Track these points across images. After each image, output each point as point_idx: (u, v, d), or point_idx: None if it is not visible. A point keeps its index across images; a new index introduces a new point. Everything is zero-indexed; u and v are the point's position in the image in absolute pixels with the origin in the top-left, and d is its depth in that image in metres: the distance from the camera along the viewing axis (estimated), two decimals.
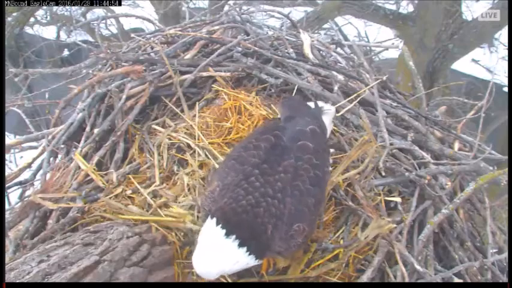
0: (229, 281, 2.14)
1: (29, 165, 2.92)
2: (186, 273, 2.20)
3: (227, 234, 1.67)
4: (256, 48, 3.23)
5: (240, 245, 1.67)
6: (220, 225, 1.69)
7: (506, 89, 7.13)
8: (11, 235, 2.36)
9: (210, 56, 3.20)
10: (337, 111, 2.75)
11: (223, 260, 1.68)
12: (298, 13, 8.10)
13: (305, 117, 2.15)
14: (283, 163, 1.87)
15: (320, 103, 2.48)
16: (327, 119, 2.38)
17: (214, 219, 1.71)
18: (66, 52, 9.18)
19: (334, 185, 2.39)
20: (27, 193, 2.77)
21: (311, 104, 2.47)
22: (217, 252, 1.68)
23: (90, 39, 8.48)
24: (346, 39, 5.40)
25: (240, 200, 1.73)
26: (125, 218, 2.32)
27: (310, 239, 2.21)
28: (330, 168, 2.11)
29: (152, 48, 3.44)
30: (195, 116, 2.90)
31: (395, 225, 2.27)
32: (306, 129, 2.03)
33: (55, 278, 1.76)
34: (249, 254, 1.69)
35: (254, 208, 1.72)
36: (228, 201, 1.75)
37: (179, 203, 2.42)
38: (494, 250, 2.45)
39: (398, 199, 2.46)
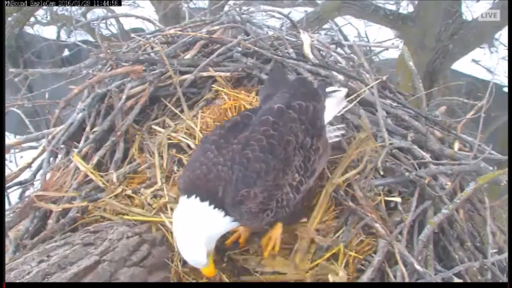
0: (229, 281, 2.15)
1: (29, 165, 2.93)
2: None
3: (188, 196, 1.87)
4: (256, 48, 3.24)
5: (202, 200, 1.84)
6: (182, 193, 1.92)
7: (506, 89, 7.13)
8: (11, 235, 2.37)
9: (210, 56, 3.21)
10: None
11: (198, 226, 1.82)
12: (298, 13, 8.09)
13: (285, 94, 2.15)
14: (239, 136, 1.96)
15: (330, 88, 2.48)
16: (332, 102, 2.38)
17: (180, 193, 1.96)
18: (66, 52, 9.18)
19: (334, 186, 2.39)
20: (27, 193, 2.78)
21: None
22: (188, 221, 1.84)
23: (91, 39, 8.48)
24: (346, 39, 5.39)
25: (195, 170, 1.92)
26: (127, 218, 2.32)
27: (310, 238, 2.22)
28: (309, 140, 2.06)
29: (152, 48, 3.44)
30: (195, 116, 2.90)
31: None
32: (274, 106, 2.05)
33: (55, 278, 1.76)
34: (214, 208, 1.84)
35: (206, 175, 1.89)
36: (188, 173, 1.96)
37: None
38: (494, 250, 2.44)
39: (398, 199, 2.46)
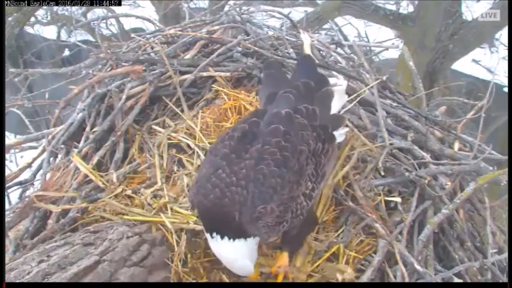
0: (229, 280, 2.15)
1: (29, 165, 2.93)
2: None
3: (211, 235, 1.89)
4: (256, 48, 3.24)
5: (222, 238, 1.87)
6: (205, 228, 1.93)
7: (506, 89, 7.12)
8: (11, 235, 2.37)
9: (210, 56, 3.20)
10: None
11: (233, 258, 1.91)
12: (298, 13, 8.09)
13: (287, 93, 2.13)
14: (250, 150, 1.92)
15: (331, 79, 2.44)
16: (335, 96, 2.33)
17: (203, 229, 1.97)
18: (66, 52, 9.18)
19: (333, 186, 2.39)
20: (27, 193, 2.78)
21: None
22: (223, 253, 1.92)
23: (91, 39, 8.48)
24: (346, 39, 5.38)
25: (208, 195, 1.88)
26: (127, 218, 2.32)
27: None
28: (320, 145, 2.05)
29: (152, 48, 3.44)
30: (195, 116, 2.90)
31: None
32: (282, 111, 2.02)
33: (55, 278, 1.76)
34: (233, 240, 1.87)
35: (221, 200, 1.85)
36: (201, 198, 1.91)
37: (179, 203, 2.42)
38: (494, 250, 2.44)
39: (398, 199, 2.46)
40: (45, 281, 1.75)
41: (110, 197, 2.47)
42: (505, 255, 2.40)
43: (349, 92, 2.91)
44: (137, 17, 5.94)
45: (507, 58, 7.16)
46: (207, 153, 2.11)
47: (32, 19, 8.29)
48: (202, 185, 1.93)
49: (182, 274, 2.15)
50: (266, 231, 1.87)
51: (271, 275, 2.17)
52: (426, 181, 2.45)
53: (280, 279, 2.14)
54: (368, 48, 6.82)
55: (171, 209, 2.37)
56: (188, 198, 2.10)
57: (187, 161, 2.64)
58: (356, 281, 2.13)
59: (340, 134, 2.33)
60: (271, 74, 2.43)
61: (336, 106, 2.34)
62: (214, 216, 1.88)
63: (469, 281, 2.28)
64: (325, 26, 7.52)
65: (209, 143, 2.66)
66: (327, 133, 2.11)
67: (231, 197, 1.84)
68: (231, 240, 1.87)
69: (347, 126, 2.66)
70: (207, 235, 1.92)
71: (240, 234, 1.88)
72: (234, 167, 1.89)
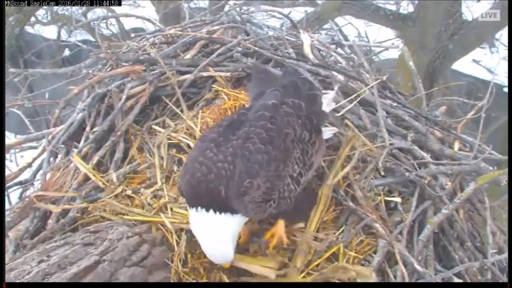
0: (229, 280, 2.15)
1: (29, 165, 2.93)
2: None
3: (196, 209, 1.87)
4: (256, 48, 3.24)
5: (207, 211, 1.85)
6: (190, 205, 1.91)
7: (506, 90, 7.12)
8: (11, 235, 2.37)
9: (210, 56, 3.21)
10: (337, 111, 2.75)
11: (215, 235, 1.87)
12: (298, 13, 8.08)
13: (276, 91, 2.17)
14: (238, 132, 1.97)
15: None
16: (324, 103, 2.38)
17: (187, 204, 1.94)
18: (66, 52, 9.18)
19: (333, 186, 2.39)
20: (27, 193, 2.78)
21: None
22: (205, 230, 1.89)
23: (91, 39, 8.48)
24: (346, 39, 5.38)
25: (195, 173, 1.89)
26: (127, 218, 2.32)
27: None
28: (307, 134, 2.09)
29: (145, 51, 3.42)
30: (195, 116, 2.90)
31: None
32: (268, 102, 2.08)
33: (55, 278, 1.76)
34: (220, 213, 1.86)
35: (207, 176, 1.87)
36: (187, 177, 1.92)
37: (179, 203, 2.42)
38: (494, 250, 2.44)
39: (398, 199, 2.46)
40: (45, 281, 1.75)
41: (110, 197, 2.47)
42: (505, 255, 2.40)
43: (349, 92, 2.93)
44: (137, 17, 5.95)
45: (507, 58, 7.17)
46: (197, 141, 2.15)
47: (32, 19, 8.28)
48: (189, 166, 1.96)
49: (182, 274, 2.15)
50: (253, 207, 1.88)
51: (265, 241, 2.21)
52: (426, 181, 2.45)
53: (274, 244, 2.18)
54: (368, 48, 6.81)
55: (171, 209, 2.38)
56: (178, 187, 2.12)
57: (186, 160, 2.63)
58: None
59: (327, 131, 2.39)
60: (260, 78, 2.49)
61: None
62: (201, 192, 1.87)
63: (469, 281, 2.28)
64: (325, 26, 7.52)
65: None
66: (313, 124, 2.16)
67: (217, 173, 1.86)
68: (217, 213, 1.86)
69: (347, 126, 2.68)
70: (192, 211, 1.90)
71: (227, 208, 1.87)
72: (222, 147, 1.93)
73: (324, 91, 2.58)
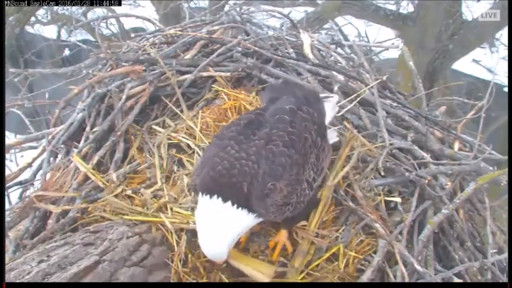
0: (229, 281, 2.15)
1: (29, 165, 2.93)
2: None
3: (210, 197, 1.80)
4: (256, 48, 3.24)
5: (224, 201, 1.79)
6: (204, 193, 1.84)
7: (506, 89, 7.12)
8: (11, 235, 2.37)
9: (210, 56, 3.21)
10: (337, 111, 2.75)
11: (222, 226, 1.80)
12: (298, 13, 8.09)
13: (290, 98, 2.18)
14: (259, 133, 1.96)
15: (322, 95, 2.50)
16: (327, 106, 2.41)
17: (200, 192, 1.87)
18: (66, 52, 9.18)
19: (333, 186, 2.39)
20: (27, 193, 2.78)
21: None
22: (212, 221, 1.81)
23: (91, 38, 8.48)
24: (346, 39, 5.38)
25: (216, 167, 1.86)
26: (128, 218, 2.32)
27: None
28: (320, 140, 2.10)
29: (145, 51, 3.42)
30: (195, 116, 2.90)
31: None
32: (286, 106, 2.08)
33: (55, 278, 1.76)
34: (237, 208, 1.80)
35: (229, 171, 1.83)
36: (207, 170, 1.89)
37: (180, 203, 2.42)
38: (494, 250, 2.44)
39: (398, 199, 2.46)
40: (45, 281, 1.75)
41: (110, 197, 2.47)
42: (505, 255, 2.40)
43: (349, 92, 2.94)
44: (137, 17, 5.94)
45: (507, 58, 7.16)
46: (212, 140, 2.12)
47: (32, 19, 8.28)
48: (208, 161, 1.91)
49: (182, 274, 2.15)
50: (273, 210, 1.88)
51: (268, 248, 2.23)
52: (426, 181, 2.45)
53: (278, 250, 2.20)
54: (368, 48, 6.81)
55: (171, 209, 2.37)
56: (192, 181, 2.12)
57: (187, 161, 2.64)
58: (356, 281, 2.13)
59: (332, 135, 2.41)
60: (274, 86, 2.52)
61: (328, 115, 2.41)
62: (222, 183, 1.82)
63: (469, 281, 2.28)
64: (325, 26, 7.52)
65: (209, 143, 2.66)
66: (322, 130, 2.19)
67: (240, 169, 1.83)
68: (234, 206, 1.79)
69: (346, 126, 2.68)
70: (204, 198, 1.82)
71: (246, 205, 1.82)
72: (243, 145, 1.91)
73: (326, 94, 2.60)
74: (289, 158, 1.91)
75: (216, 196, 1.80)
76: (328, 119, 2.42)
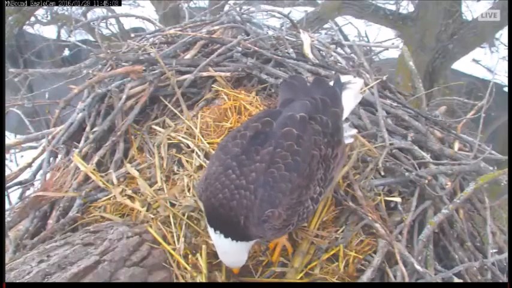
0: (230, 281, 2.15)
1: (29, 165, 2.93)
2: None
3: (215, 231, 1.93)
4: (256, 48, 3.23)
5: (225, 237, 1.91)
6: (209, 223, 1.96)
7: (506, 89, 7.13)
8: (11, 235, 2.37)
9: (210, 56, 3.20)
10: None
11: (230, 254, 2.01)
12: (298, 13, 8.09)
13: (305, 100, 2.08)
14: (262, 151, 1.90)
15: (345, 77, 2.38)
16: (350, 95, 2.30)
17: (206, 221, 2.01)
18: (66, 52, 9.18)
19: (333, 186, 2.39)
20: (27, 193, 2.78)
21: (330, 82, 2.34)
22: (224, 249, 1.99)
23: (91, 38, 8.47)
24: (346, 39, 5.38)
25: (217, 194, 1.89)
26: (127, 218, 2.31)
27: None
28: (331, 150, 2.03)
29: (145, 51, 3.42)
30: (195, 116, 2.90)
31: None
32: (296, 115, 1.98)
33: (55, 278, 1.76)
34: (236, 242, 1.92)
35: (229, 202, 1.86)
36: (209, 195, 1.92)
37: (180, 204, 2.42)
38: (494, 250, 2.45)
39: (398, 199, 2.46)
40: (45, 281, 1.75)
41: (110, 197, 2.47)
42: (505, 255, 2.40)
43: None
44: (137, 17, 5.94)
45: (507, 58, 7.17)
46: (217, 148, 2.09)
47: (32, 19, 8.29)
48: (211, 182, 1.93)
49: (182, 274, 2.14)
50: (272, 233, 1.88)
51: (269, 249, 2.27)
52: (426, 181, 2.45)
53: (278, 251, 2.24)
54: (368, 48, 6.81)
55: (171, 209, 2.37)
56: (196, 191, 2.18)
57: (187, 161, 2.64)
58: (356, 281, 2.13)
59: (349, 136, 2.35)
60: (292, 83, 2.34)
61: (350, 105, 2.31)
62: (221, 217, 1.89)
63: (469, 281, 2.28)
64: (325, 26, 7.53)
65: (209, 143, 2.66)
66: (337, 137, 2.09)
67: (239, 200, 1.84)
68: (234, 241, 1.91)
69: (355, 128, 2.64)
70: (210, 229, 1.95)
71: (244, 237, 1.93)
72: (244, 168, 1.88)
73: (347, 77, 2.42)
74: (290, 182, 1.85)
75: (219, 232, 1.92)
76: (348, 111, 2.28)
